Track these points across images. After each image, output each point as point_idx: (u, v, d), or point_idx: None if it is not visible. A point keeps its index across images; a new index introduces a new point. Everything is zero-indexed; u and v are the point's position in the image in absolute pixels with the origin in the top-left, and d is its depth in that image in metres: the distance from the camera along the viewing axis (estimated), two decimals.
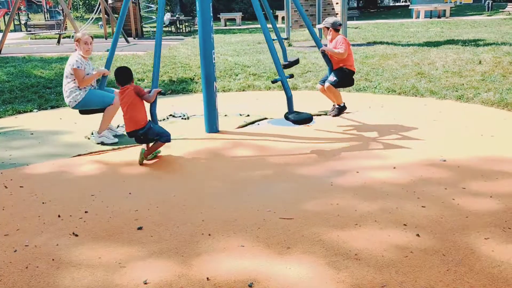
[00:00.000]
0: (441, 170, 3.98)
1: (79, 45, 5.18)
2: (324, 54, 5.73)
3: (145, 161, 4.47)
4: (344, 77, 5.69)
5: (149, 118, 4.60)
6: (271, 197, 3.56)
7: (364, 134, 5.24)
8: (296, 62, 6.60)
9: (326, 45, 5.82)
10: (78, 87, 5.14)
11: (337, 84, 5.69)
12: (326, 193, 3.58)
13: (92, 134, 5.55)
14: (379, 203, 3.35)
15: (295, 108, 4.95)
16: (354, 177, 3.90)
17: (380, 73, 8.72)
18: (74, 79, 5.11)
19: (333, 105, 6.11)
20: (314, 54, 11.50)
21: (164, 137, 4.49)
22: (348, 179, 3.86)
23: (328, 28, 5.74)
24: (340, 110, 6.02)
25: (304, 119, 4.76)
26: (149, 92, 4.59)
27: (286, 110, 5.51)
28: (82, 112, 5.37)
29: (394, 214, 3.16)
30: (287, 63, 6.38)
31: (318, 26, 5.71)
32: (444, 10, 27.29)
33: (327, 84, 5.75)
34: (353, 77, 5.84)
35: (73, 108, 5.24)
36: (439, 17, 26.86)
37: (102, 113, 5.19)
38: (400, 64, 9.48)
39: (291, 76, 5.45)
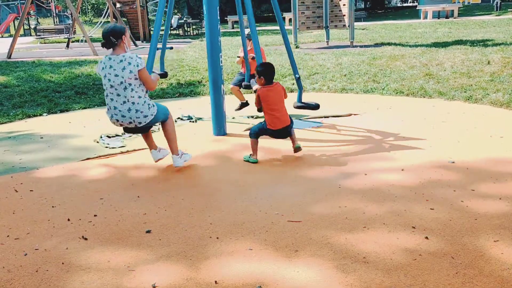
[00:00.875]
0: (450, 172, 3.95)
1: (125, 38, 4.05)
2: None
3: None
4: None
5: None
6: (279, 199, 3.56)
7: (372, 135, 5.22)
8: (316, 107, 5.85)
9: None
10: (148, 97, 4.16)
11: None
12: (334, 196, 3.58)
13: (101, 137, 5.60)
14: (388, 205, 3.34)
15: (303, 110, 4.97)
16: (362, 180, 3.89)
17: (388, 74, 8.69)
18: (140, 84, 4.03)
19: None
20: (322, 56, 11.50)
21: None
22: (356, 182, 3.85)
23: (250, 40, 6.18)
24: (243, 105, 6.65)
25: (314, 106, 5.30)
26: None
27: (293, 112, 5.52)
28: (132, 131, 4.34)
29: (402, 216, 3.15)
30: (301, 104, 5.90)
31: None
32: (452, 11, 27.11)
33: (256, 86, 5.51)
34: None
35: (146, 124, 4.15)
36: (447, 17, 26.70)
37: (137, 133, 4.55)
38: (408, 65, 9.44)
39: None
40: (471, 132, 5.12)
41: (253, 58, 6.01)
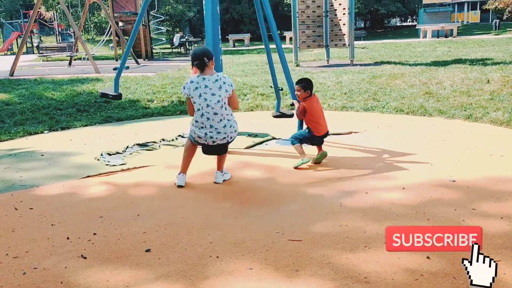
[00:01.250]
0: (451, 191, 3.95)
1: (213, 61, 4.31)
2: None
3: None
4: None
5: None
6: (279, 218, 3.55)
7: (373, 154, 5.23)
8: (290, 116, 6.13)
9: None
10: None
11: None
12: (334, 214, 3.57)
13: (102, 155, 5.60)
14: (389, 224, 3.32)
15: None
16: (362, 198, 3.88)
17: (388, 93, 8.74)
18: (229, 105, 4.27)
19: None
20: (322, 74, 11.58)
21: None
22: (356, 200, 3.84)
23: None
24: None
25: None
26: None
27: (295, 131, 5.54)
28: (217, 149, 4.40)
29: None
30: (279, 113, 6.27)
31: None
32: (452, 30, 27.41)
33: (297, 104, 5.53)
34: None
35: (233, 139, 4.39)
36: (446, 36, 26.97)
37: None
38: (408, 83, 9.50)
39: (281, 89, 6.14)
40: (471, 151, 5.12)
41: (292, 104, 5.62)
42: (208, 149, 4.38)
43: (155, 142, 6.17)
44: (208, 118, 4.14)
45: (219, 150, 4.38)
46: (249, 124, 7.02)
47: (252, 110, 8.32)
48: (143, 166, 5.08)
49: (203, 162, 5.19)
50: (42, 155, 5.76)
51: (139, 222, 3.58)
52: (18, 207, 3.98)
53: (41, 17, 35.16)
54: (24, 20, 37.71)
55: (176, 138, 6.39)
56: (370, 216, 3.50)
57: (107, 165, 5.21)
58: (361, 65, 13.65)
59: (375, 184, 4.20)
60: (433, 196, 3.85)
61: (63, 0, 15.63)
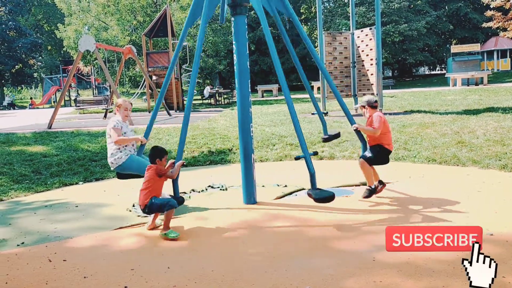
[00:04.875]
0: (489, 245, 3.80)
1: (119, 110, 5.72)
2: (357, 131, 5.59)
3: (182, 233, 4.50)
4: (378, 155, 5.41)
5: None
6: (311, 272, 3.47)
7: (406, 205, 5.12)
8: (337, 136, 6.60)
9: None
10: (119, 149, 5.52)
11: (370, 161, 5.39)
12: (368, 270, 3.47)
13: (134, 206, 5.69)
14: (425, 281, 3.21)
15: (334, 178, 4.95)
16: (397, 252, 3.76)
17: (419, 142, 8.65)
18: (111, 142, 5.53)
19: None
20: None
21: (167, 206, 4.59)
22: (391, 254, 3.73)
23: (364, 107, 5.63)
24: (371, 192, 5.44)
25: (325, 197, 4.69)
26: (173, 164, 4.95)
27: (324, 181, 5.50)
28: (120, 176, 5.76)
29: None
30: (327, 136, 6.46)
31: (354, 106, 5.74)
32: (482, 78, 27.20)
33: (360, 159, 5.47)
34: (389, 156, 5.52)
35: (113, 170, 5.69)
36: (476, 84, 26.75)
37: (137, 178, 5.51)
38: (439, 132, 9.39)
39: (315, 153, 5.88)
40: (508, 203, 4.95)
41: (355, 129, 5.53)
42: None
43: (185, 193, 6.24)
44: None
45: (118, 176, 5.80)
46: (279, 174, 7.04)
47: (281, 160, 8.36)
48: (173, 217, 5.11)
49: (232, 214, 5.20)
50: (77, 206, 5.89)
51: (169, 275, 3.57)
52: (52, 259, 4.04)
53: (79, 71, 36.94)
54: (63, 75, 39.73)
55: (206, 189, 6.44)
56: (405, 271, 3.39)
57: (138, 216, 5.27)
58: (390, 114, 13.61)
59: None
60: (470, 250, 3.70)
61: (100, 56, 16.44)
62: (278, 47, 41.36)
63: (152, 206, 4.63)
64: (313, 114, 6.80)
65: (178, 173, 4.97)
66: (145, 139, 5.72)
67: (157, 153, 4.90)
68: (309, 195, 4.90)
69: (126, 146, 5.59)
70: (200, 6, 5.61)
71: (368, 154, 5.42)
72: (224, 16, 5.86)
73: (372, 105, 5.55)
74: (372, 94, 14.61)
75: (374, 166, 5.49)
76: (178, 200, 4.83)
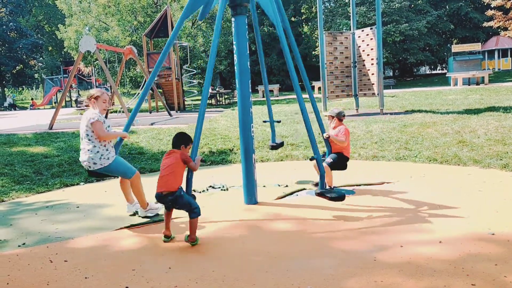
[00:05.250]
0: (490, 245, 3.79)
1: (96, 102, 5.04)
2: (326, 140, 5.87)
3: (183, 233, 4.49)
4: (340, 161, 5.82)
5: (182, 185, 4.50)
6: (312, 272, 3.47)
7: (407, 205, 5.12)
8: (281, 144, 7.18)
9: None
10: (106, 147, 4.97)
11: (332, 166, 5.75)
12: (369, 269, 3.47)
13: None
14: (426, 280, 3.20)
15: (335, 178, 4.96)
16: (398, 252, 3.77)
17: (420, 142, 8.64)
18: (96, 138, 4.90)
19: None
20: (352, 123, 11.58)
21: (194, 213, 4.28)
22: (391, 254, 3.73)
23: (333, 117, 5.97)
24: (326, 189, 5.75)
25: (339, 196, 4.97)
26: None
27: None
28: (93, 174, 5.10)
29: None
30: (274, 144, 6.96)
31: (324, 113, 5.86)
32: (483, 77, 27.18)
33: (324, 164, 5.71)
34: (347, 163, 5.91)
35: (94, 170, 4.96)
36: (477, 84, 26.73)
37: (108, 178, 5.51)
38: (440, 132, 9.38)
39: (324, 154, 5.88)
40: (509, 202, 4.95)
41: (327, 137, 5.80)
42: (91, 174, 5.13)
43: None
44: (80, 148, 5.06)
45: (99, 175, 5.19)
46: (279, 174, 7.03)
47: (282, 160, 8.35)
48: (174, 218, 5.11)
49: (233, 214, 5.20)
50: (78, 207, 5.90)
51: (170, 276, 3.57)
52: (53, 260, 4.04)
53: (80, 72, 36.96)
54: (64, 75, 39.76)
55: (207, 189, 6.44)
56: (407, 271, 3.38)
57: (139, 216, 5.27)
58: (391, 113, 13.61)
59: (410, 238, 4.09)
60: (471, 250, 3.71)
61: (101, 56, 16.44)
62: (279, 47, 41.41)
63: (180, 199, 4.27)
64: (264, 122, 6.91)
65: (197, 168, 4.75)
66: (127, 135, 5.35)
67: (185, 139, 4.49)
68: (319, 194, 5.15)
69: (109, 143, 5.05)
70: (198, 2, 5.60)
71: (329, 159, 5.81)
72: (206, 14, 5.86)
73: (340, 118, 5.98)
74: (373, 94, 14.60)
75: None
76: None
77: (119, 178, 5.28)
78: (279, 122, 7.36)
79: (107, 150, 4.99)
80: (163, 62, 5.86)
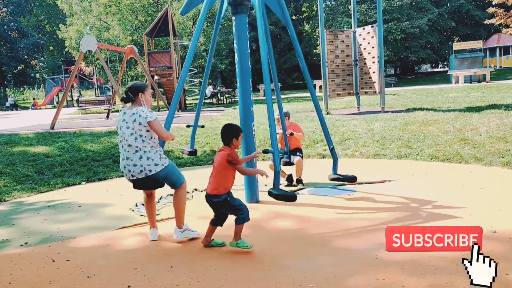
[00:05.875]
0: (492, 242, 3.79)
1: (144, 96, 4.34)
2: (286, 136, 6.27)
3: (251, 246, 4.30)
4: (301, 154, 6.42)
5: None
6: (313, 271, 3.47)
7: (408, 203, 5.11)
8: (195, 152, 6.69)
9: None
10: (161, 150, 4.33)
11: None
12: (371, 267, 3.47)
13: (136, 205, 5.69)
14: (428, 278, 3.20)
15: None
16: None
17: (421, 140, 8.63)
18: (152, 138, 4.21)
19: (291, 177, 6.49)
20: (353, 121, 11.58)
21: (239, 219, 4.00)
22: (393, 252, 3.72)
23: (288, 118, 6.47)
24: (298, 181, 6.39)
25: (286, 196, 4.46)
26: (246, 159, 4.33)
27: (326, 179, 5.51)
28: (143, 183, 4.28)
29: None
30: (193, 150, 6.63)
31: (276, 116, 6.07)
32: (484, 75, 27.12)
33: (298, 158, 6.27)
34: None
35: (153, 175, 4.17)
36: (479, 81, 26.68)
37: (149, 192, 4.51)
38: (442, 130, 9.37)
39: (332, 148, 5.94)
40: (511, 200, 4.94)
41: (291, 134, 6.21)
42: (138, 184, 4.30)
43: (188, 192, 6.23)
44: (125, 150, 4.18)
45: (145, 186, 4.31)
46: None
47: None
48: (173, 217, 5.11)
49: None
50: (79, 206, 5.91)
51: (172, 274, 3.57)
52: (55, 259, 4.05)
53: (81, 72, 37.01)
54: (65, 75, 39.80)
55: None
56: (408, 269, 3.38)
57: (141, 216, 5.28)
58: (392, 112, 13.60)
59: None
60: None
61: (102, 56, 16.45)
62: (280, 46, 41.36)
63: (225, 203, 4.00)
64: (188, 126, 6.66)
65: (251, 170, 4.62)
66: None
67: (233, 131, 4.05)
68: (269, 193, 4.57)
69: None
70: None
71: (301, 154, 6.37)
72: (188, 10, 5.92)
73: (289, 117, 6.52)
74: (374, 92, 14.59)
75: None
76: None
77: (144, 196, 4.50)
78: (202, 127, 6.93)
79: (161, 150, 4.36)
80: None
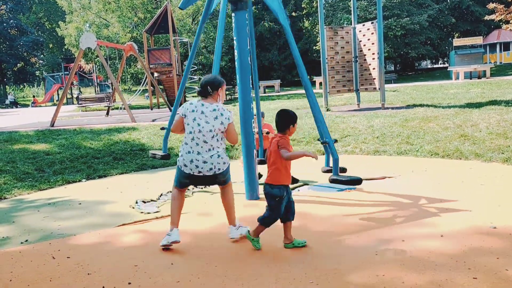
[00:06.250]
0: (492, 238, 3.79)
1: (222, 91, 4.22)
2: (261, 136, 6.40)
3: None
4: None
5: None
6: (313, 267, 3.48)
7: (408, 200, 5.12)
8: (167, 157, 6.49)
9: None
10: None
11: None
12: (370, 264, 3.47)
13: (136, 203, 5.70)
14: (428, 274, 3.20)
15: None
16: (400, 246, 3.77)
17: (422, 136, 8.63)
18: (223, 138, 4.14)
19: None
20: (353, 118, 11.57)
21: (263, 221, 3.89)
22: (393, 249, 3.74)
23: (262, 117, 6.51)
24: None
25: (355, 180, 4.87)
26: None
27: (326, 174, 5.48)
28: (202, 180, 4.17)
29: (443, 286, 3.01)
30: (165, 154, 6.44)
31: (254, 114, 6.16)
32: (484, 71, 27.07)
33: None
34: None
35: (222, 172, 4.12)
36: (479, 77, 26.63)
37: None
38: (442, 126, 9.36)
39: (335, 141, 5.71)
40: (511, 196, 4.94)
41: (267, 133, 6.33)
42: (196, 180, 4.15)
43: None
44: (197, 144, 4.00)
45: (203, 181, 4.18)
46: None
47: None
48: (167, 216, 5.12)
49: (237, 209, 5.20)
50: (80, 204, 5.91)
51: (172, 271, 3.58)
52: (55, 256, 4.06)
53: (81, 69, 36.95)
54: (65, 72, 39.77)
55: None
56: (408, 265, 3.39)
57: (141, 213, 5.28)
58: (392, 108, 13.58)
59: (412, 232, 4.08)
60: (473, 244, 3.71)
61: (101, 53, 16.43)
62: (279, 42, 41.27)
63: (281, 202, 3.80)
64: (162, 129, 6.60)
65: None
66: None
67: (292, 117, 3.87)
68: (334, 180, 5.01)
69: None
70: None
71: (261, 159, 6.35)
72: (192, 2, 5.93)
73: (264, 117, 6.63)
74: (374, 88, 14.57)
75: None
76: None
77: (176, 192, 4.25)
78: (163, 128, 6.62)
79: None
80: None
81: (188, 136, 4.06)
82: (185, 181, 4.15)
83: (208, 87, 4.08)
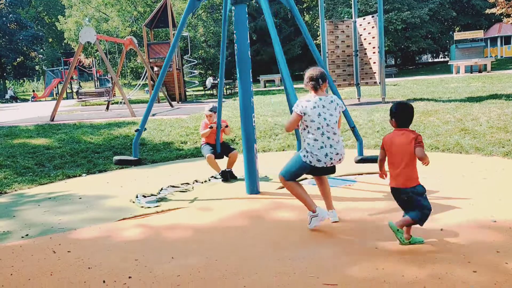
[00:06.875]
0: (492, 232, 3.79)
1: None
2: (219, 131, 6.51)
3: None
4: None
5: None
6: (313, 261, 3.48)
7: None
8: (139, 162, 5.96)
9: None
10: None
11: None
12: (370, 257, 3.48)
13: (137, 197, 5.70)
14: (428, 268, 3.21)
15: (336, 168, 4.96)
16: (399, 241, 3.77)
17: (422, 130, 8.61)
18: None
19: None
20: (353, 112, 11.55)
21: (419, 219, 3.60)
22: (393, 242, 3.74)
23: (215, 112, 6.50)
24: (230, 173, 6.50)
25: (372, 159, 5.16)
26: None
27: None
28: (326, 170, 4.29)
29: (443, 280, 3.01)
30: (138, 158, 5.83)
31: (205, 112, 6.57)
32: (485, 65, 27.00)
33: (236, 151, 6.53)
34: None
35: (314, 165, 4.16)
36: (480, 71, 26.57)
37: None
38: (442, 120, 9.35)
39: None
40: None
41: (226, 126, 6.53)
42: (317, 171, 4.24)
43: (188, 184, 6.25)
44: (328, 138, 4.08)
45: (326, 171, 4.30)
46: (281, 164, 7.02)
47: (283, 150, 8.34)
48: (177, 208, 5.13)
49: (236, 204, 5.21)
50: (80, 198, 5.91)
51: (172, 265, 3.58)
52: (56, 250, 4.06)
53: (80, 63, 36.87)
54: (65, 67, 39.69)
55: (209, 179, 6.45)
56: (408, 259, 3.39)
57: (142, 207, 5.29)
58: (393, 102, 13.55)
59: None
60: (473, 237, 3.71)
61: (101, 47, 16.39)
62: (280, 37, 41.19)
63: (415, 197, 3.64)
64: (136, 131, 5.91)
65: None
66: None
67: (413, 113, 3.71)
68: (360, 160, 5.58)
69: None
70: None
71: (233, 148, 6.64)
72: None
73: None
74: (375, 82, 14.54)
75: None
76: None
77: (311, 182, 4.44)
78: (145, 130, 6.12)
79: None
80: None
81: (316, 132, 4.09)
82: (302, 174, 4.35)
83: (320, 79, 4.17)
